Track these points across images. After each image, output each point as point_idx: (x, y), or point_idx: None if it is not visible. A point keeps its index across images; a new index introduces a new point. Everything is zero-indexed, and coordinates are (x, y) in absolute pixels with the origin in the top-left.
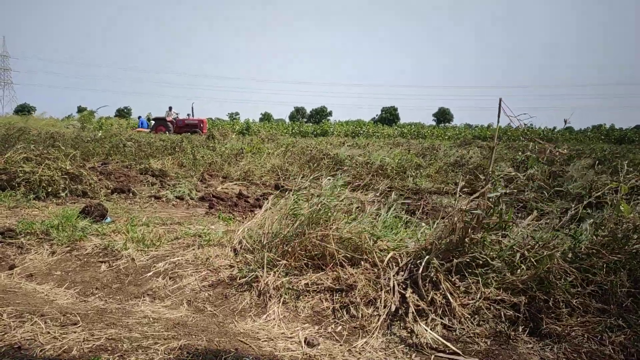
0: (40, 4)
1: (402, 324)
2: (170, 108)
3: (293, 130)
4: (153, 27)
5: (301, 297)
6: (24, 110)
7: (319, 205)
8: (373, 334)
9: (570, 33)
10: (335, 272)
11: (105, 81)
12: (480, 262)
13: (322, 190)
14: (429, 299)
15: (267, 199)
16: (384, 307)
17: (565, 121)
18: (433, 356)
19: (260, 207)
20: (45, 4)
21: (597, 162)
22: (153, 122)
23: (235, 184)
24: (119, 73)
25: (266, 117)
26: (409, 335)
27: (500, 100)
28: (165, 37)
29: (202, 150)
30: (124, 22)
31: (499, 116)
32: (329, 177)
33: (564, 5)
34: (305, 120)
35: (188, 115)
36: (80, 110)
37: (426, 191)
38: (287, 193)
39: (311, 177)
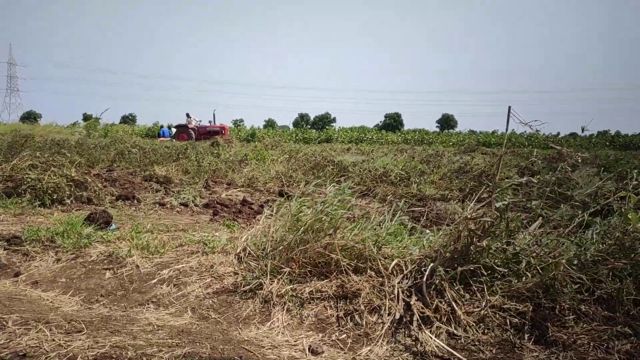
0: (47, 12)
1: (406, 332)
2: (188, 115)
3: (297, 137)
4: (157, 34)
5: (305, 304)
6: (30, 117)
7: (323, 214)
8: (377, 341)
9: (574, 36)
10: (339, 280)
11: (110, 88)
12: (486, 269)
13: (326, 198)
14: (434, 306)
15: (271, 205)
16: (389, 314)
17: (583, 129)
18: None
19: (265, 214)
20: (52, 12)
21: (602, 168)
22: (174, 129)
23: (240, 191)
24: (123, 80)
25: (270, 124)
26: (413, 343)
27: (510, 108)
28: (170, 44)
29: (206, 157)
30: (129, 30)
31: (507, 124)
32: (333, 184)
33: (570, 8)
34: (309, 126)
35: (210, 122)
36: (86, 117)
37: (430, 198)
38: (290, 199)
39: (313, 184)
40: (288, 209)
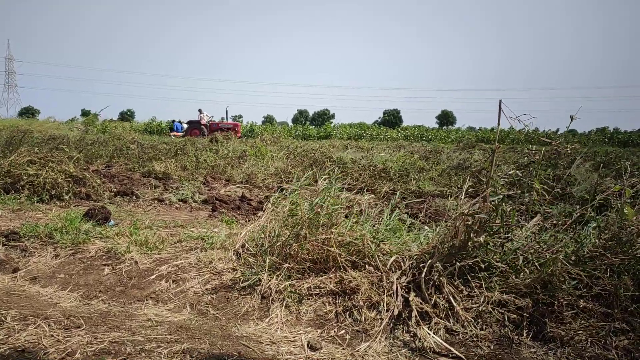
0: (45, 7)
1: (405, 328)
2: (200, 110)
3: (296, 133)
4: (156, 30)
5: (304, 300)
6: (28, 113)
7: (318, 208)
8: (376, 337)
9: (574, 34)
10: (337, 276)
11: (108, 84)
12: (484, 265)
13: (319, 191)
14: (432, 302)
15: (268, 201)
16: (387, 310)
17: (572, 118)
18: None
19: (263, 210)
20: (50, 7)
21: (601, 165)
22: (186, 125)
23: (238, 187)
24: (122, 76)
25: (269, 120)
26: (412, 339)
27: (500, 102)
28: (168, 41)
29: (205, 153)
30: (128, 26)
31: (499, 118)
32: (324, 177)
33: (570, 5)
34: (308, 123)
35: (222, 118)
36: (84, 113)
37: (429, 194)
38: (287, 194)
39: (304, 178)
40: (284, 204)
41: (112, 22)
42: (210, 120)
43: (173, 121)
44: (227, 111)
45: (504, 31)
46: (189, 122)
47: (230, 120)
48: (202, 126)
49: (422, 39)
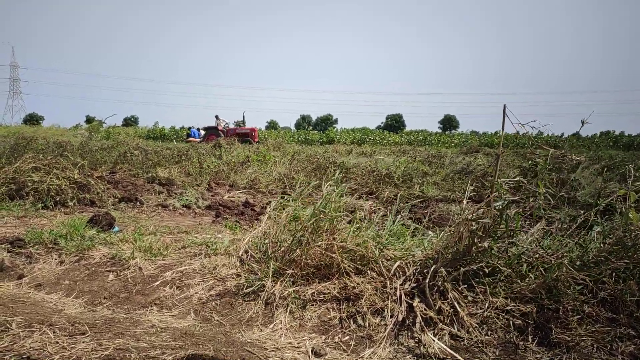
0: (49, 15)
1: (409, 334)
2: (217, 117)
3: (299, 138)
4: (159, 38)
5: (308, 306)
6: (32, 119)
7: (321, 213)
8: (380, 343)
9: (579, 36)
10: (341, 282)
11: (112, 91)
12: (488, 270)
13: (323, 197)
14: (437, 308)
15: (270, 207)
16: (391, 316)
17: (583, 122)
18: None
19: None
20: (54, 15)
21: (606, 169)
22: (203, 131)
23: (242, 193)
24: (125, 83)
25: (272, 125)
26: (416, 345)
27: (505, 106)
28: (171, 48)
29: (208, 158)
30: (130, 33)
31: (503, 123)
32: (329, 183)
33: (574, 9)
34: (311, 128)
35: (239, 124)
36: (89, 119)
37: (433, 199)
38: (289, 200)
39: (306, 184)
40: (287, 209)
41: (116, 28)
42: (227, 126)
43: (189, 128)
44: (243, 116)
45: (508, 33)
46: (205, 129)
47: (246, 126)
48: (220, 132)
49: (424, 42)
